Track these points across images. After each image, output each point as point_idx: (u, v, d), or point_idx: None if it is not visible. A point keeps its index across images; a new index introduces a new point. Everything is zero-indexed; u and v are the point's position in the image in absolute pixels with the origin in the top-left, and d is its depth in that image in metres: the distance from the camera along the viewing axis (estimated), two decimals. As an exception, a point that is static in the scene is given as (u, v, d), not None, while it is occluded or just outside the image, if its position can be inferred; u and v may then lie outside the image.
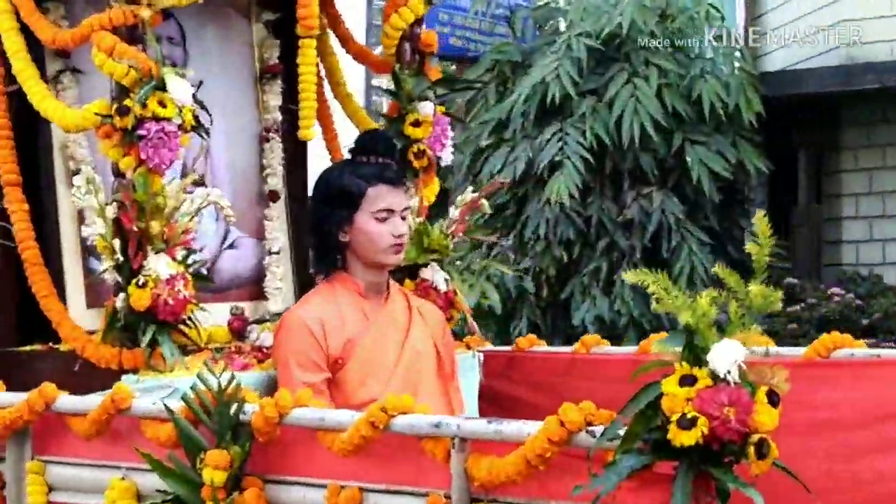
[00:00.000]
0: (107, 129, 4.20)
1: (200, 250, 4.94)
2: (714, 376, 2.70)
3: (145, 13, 4.22)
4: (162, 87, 4.21)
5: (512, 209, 9.07)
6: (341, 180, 4.52)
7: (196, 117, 4.39)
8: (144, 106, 4.13)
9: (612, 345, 5.13)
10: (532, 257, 8.78)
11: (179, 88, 4.25)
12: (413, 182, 5.12)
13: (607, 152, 8.64)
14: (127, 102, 4.15)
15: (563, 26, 9.34)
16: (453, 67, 9.86)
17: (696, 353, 2.76)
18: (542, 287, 8.78)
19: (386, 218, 4.45)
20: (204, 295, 4.77)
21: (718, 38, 9.35)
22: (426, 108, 5.12)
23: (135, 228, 4.18)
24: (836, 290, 8.93)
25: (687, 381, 2.71)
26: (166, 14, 4.70)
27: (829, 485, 4.02)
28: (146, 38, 4.31)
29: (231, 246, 5.22)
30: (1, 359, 4.73)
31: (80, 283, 4.65)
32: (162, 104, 4.15)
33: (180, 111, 4.23)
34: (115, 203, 4.24)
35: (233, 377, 3.59)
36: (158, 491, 3.57)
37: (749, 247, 3.24)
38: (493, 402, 4.95)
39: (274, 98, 5.28)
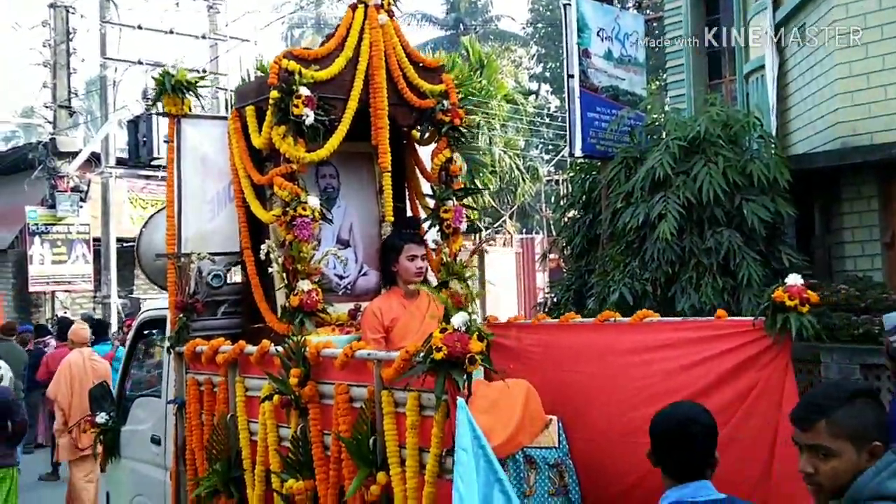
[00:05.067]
0: (280, 221, 4.76)
1: (343, 279, 5.38)
2: (454, 327, 3.25)
3: (295, 166, 4.75)
4: (305, 202, 4.74)
5: (637, 244, 8.92)
6: (393, 240, 5.06)
7: (323, 214, 4.85)
8: (295, 210, 4.69)
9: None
10: (651, 270, 8.62)
11: (313, 201, 4.78)
12: (445, 240, 5.44)
13: (694, 207, 8.43)
14: (288, 209, 4.71)
15: (664, 134, 9.13)
16: (598, 163, 9.81)
17: (448, 318, 3.32)
18: (656, 288, 8.57)
19: (413, 259, 4.93)
20: (347, 298, 5.22)
21: (760, 137, 9.11)
22: (450, 204, 5.41)
23: (290, 268, 4.73)
24: (842, 286, 8.62)
25: (443, 331, 3.25)
26: (327, 162, 5.19)
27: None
28: (298, 178, 4.80)
29: (364, 274, 5.52)
30: (249, 332, 5.13)
31: (281, 293, 4.94)
32: (303, 209, 4.68)
33: (313, 212, 4.74)
34: (281, 255, 4.75)
35: (302, 337, 4.20)
36: (276, 389, 4.20)
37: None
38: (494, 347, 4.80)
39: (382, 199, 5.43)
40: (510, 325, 5.04)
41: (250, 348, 4.51)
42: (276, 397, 4.19)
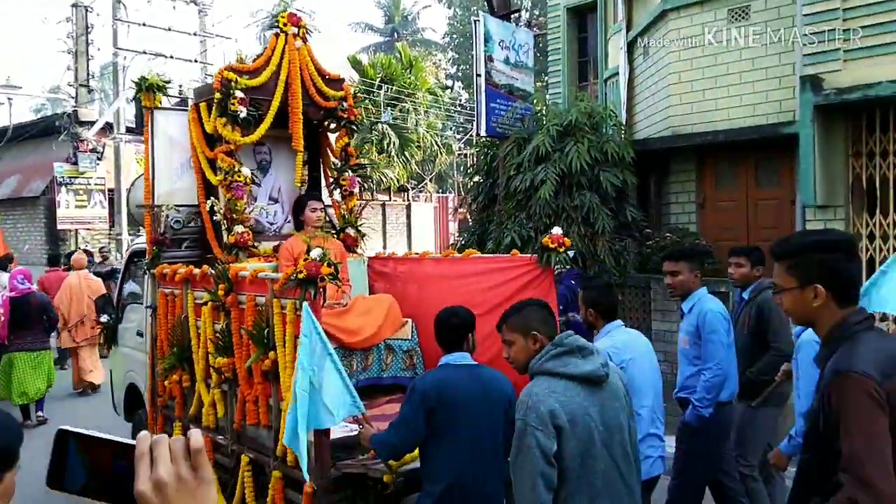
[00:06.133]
0: (222, 184, 4.95)
1: (273, 224, 5.53)
2: (312, 258, 3.50)
3: (233, 146, 4.94)
4: (239, 171, 4.92)
5: (524, 202, 8.80)
6: (301, 197, 5.26)
7: (253, 180, 5.07)
8: (232, 176, 4.90)
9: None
10: (534, 221, 8.53)
11: (245, 171, 4.97)
12: (343, 200, 5.64)
13: (566, 176, 8.55)
14: (227, 176, 4.89)
15: (545, 121, 9.28)
16: (497, 142, 9.72)
17: (309, 250, 3.55)
18: (538, 234, 8.19)
19: (314, 210, 5.11)
20: (276, 238, 5.39)
21: (614, 125, 9.29)
22: (349, 175, 5.59)
23: (228, 216, 4.94)
24: (667, 234, 8.95)
25: (306, 260, 3.50)
26: (262, 143, 5.36)
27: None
28: (236, 154, 4.99)
29: (288, 221, 5.61)
30: (203, 260, 5.17)
31: (224, 234, 5.01)
32: (238, 176, 4.91)
33: (245, 179, 4.95)
34: (223, 207, 4.96)
35: (227, 264, 4.43)
36: (211, 298, 4.38)
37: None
38: (377, 273, 5.40)
39: (304, 171, 5.63)
40: (388, 258, 5.44)
41: (196, 271, 4.73)
42: (210, 303, 4.43)
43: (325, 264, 3.46)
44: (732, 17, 8.90)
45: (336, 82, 5.51)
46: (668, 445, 4.06)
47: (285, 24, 5.18)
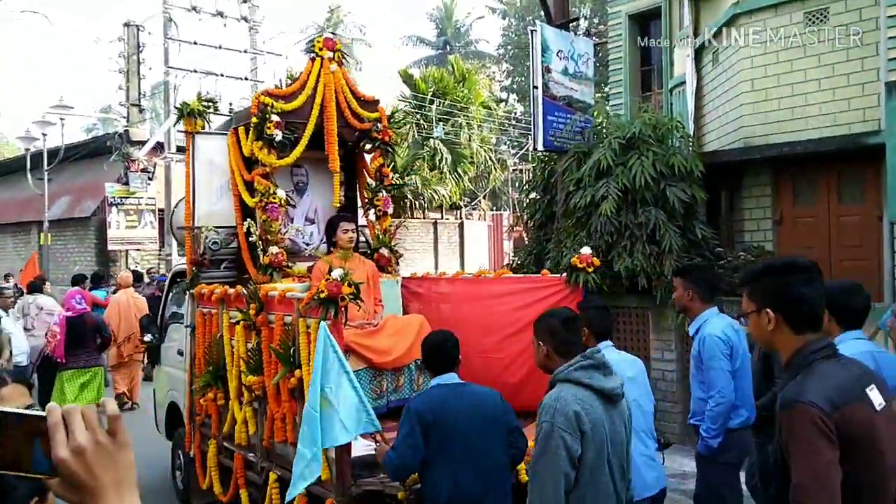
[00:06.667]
0: (259, 206, 5.21)
1: (309, 245, 5.83)
2: (333, 278, 3.73)
3: (268, 169, 5.21)
4: (275, 192, 5.18)
5: (585, 219, 8.50)
6: (332, 219, 5.47)
7: (288, 201, 5.38)
8: (268, 198, 5.16)
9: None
10: (595, 240, 8.12)
11: (280, 192, 5.24)
12: (377, 220, 5.83)
13: (629, 191, 8.29)
14: (262, 197, 5.17)
15: (606, 134, 8.99)
16: (556, 156, 9.57)
17: (331, 271, 3.80)
18: (599, 253, 7.79)
19: (346, 231, 5.31)
20: (311, 259, 5.61)
21: (681, 137, 8.95)
22: (383, 195, 5.80)
23: (264, 237, 5.19)
24: (741, 253, 8.57)
25: (327, 280, 3.71)
26: (300, 164, 5.66)
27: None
28: (272, 176, 5.27)
29: (324, 242, 5.81)
30: (240, 281, 5.39)
31: (260, 254, 5.27)
32: (274, 196, 5.17)
33: (280, 200, 5.22)
34: (258, 229, 5.24)
35: (258, 284, 4.67)
36: (243, 318, 4.64)
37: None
38: (411, 293, 5.59)
39: (341, 192, 5.70)
40: (423, 279, 5.72)
41: (230, 291, 5.04)
42: (242, 323, 4.70)
43: (346, 284, 3.68)
44: (809, 19, 8.72)
45: (370, 104, 5.79)
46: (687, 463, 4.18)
47: (321, 49, 5.46)
